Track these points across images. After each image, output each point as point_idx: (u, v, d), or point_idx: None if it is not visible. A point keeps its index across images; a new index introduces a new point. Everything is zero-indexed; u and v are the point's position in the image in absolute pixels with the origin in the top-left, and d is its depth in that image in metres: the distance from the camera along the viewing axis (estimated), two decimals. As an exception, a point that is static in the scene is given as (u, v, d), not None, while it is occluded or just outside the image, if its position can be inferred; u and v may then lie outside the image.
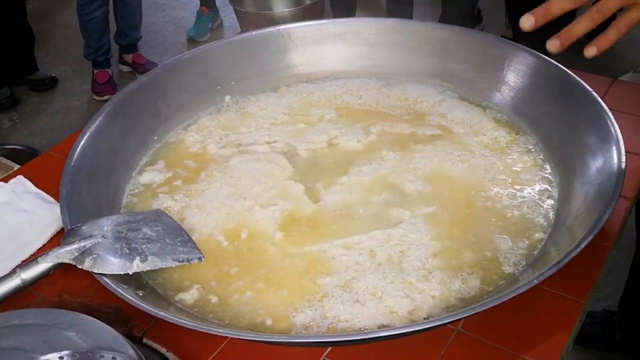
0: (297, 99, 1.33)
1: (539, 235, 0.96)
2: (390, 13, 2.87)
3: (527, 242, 0.96)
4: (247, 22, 1.59)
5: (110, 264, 0.85)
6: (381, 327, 0.84)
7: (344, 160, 1.15)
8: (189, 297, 0.91)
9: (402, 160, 1.13)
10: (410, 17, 2.68)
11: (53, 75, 3.62)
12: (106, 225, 0.91)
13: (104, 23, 3.25)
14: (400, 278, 0.90)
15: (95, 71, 3.39)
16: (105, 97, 3.33)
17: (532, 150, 1.13)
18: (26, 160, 2.30)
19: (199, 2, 4.00)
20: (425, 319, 0.85)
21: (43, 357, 0.66)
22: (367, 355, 0.84)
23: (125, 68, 3.64)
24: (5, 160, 2.08)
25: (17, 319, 0.74)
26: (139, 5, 3.44)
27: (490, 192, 1.05)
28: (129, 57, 3.59)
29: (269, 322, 0.87)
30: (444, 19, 3.04)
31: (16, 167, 1.98)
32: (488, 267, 0.92)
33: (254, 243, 0.99)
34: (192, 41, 3.87)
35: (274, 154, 1.17)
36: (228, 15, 4.11)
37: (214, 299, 0.90)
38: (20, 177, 1.17)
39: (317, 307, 0.87)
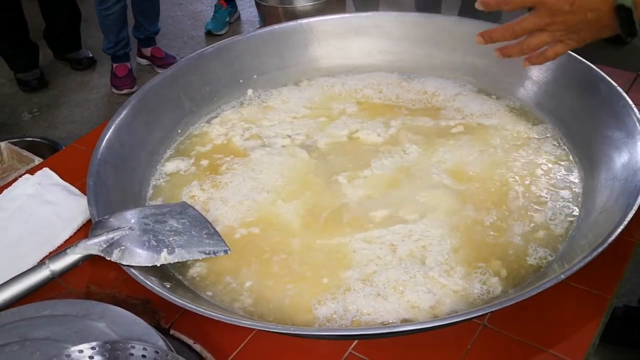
0: (318, 93, 1.34)
1: (564, 229, 0.96)
2: (418, 8, 2.84)
3: (552, 235, 0.95)
4: (269, 16, 1.59)
5: (138, 256, 0.86)
6: (404, 321, 0.84)
7: (365, 154, 1.15)
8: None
9: (425, 154, 1.13)
10: (439, 11, 2.66)
11: (91, 55, 3.66)
12: (133, 217, 0.92)
13: (122, 17, 3.26)
14: (422, 273, 0.90)
15: (114, 65, 3.40)
16: (125, 91, 3.34)
17: (556, 144, 1.13)
18: (46, 152, 2.31)
19: (217, -5, 4.01)
20: (448, 313, 0.85)
21: (74, 348, 0.67)
22: (392, 349, 0.84)
23: (144, 62, 3.64)
24: (26, 153, 2.09)
25: (48, 310, 0.75)
26: (157, -2, 3.45)
27: (513, 186, 1.05)
28: (147, 51, 3.60)
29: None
30: (464, 13, 3.02)
31: (37, 159, 1.99)
32: (512, 261, 0.92)
33: (277, 236, 0.99)
34: (210, 35, 3.87)
35: (296, 148, 1.18)
36: (246, 9, 4.11)
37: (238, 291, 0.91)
38: (46, 170, 1.18)
39: (339, 300, 0.87)
